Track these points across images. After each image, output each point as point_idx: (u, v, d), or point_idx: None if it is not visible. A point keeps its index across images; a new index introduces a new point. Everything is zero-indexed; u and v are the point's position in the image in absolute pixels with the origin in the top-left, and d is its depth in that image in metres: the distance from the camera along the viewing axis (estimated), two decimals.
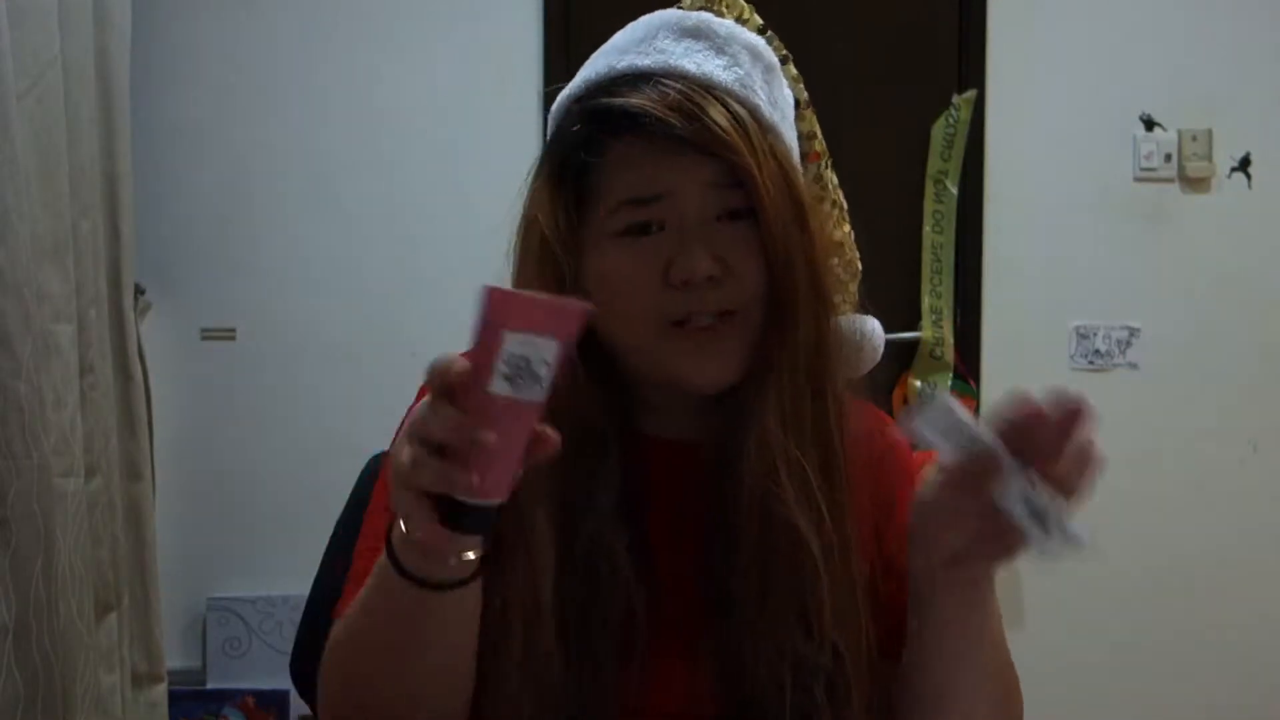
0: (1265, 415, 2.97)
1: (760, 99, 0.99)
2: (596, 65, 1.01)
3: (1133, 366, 2.96)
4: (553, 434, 0.77)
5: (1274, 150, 2.95)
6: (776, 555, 0.96)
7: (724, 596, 0.98)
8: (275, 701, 2.70)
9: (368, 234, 2.80)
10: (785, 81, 1.06)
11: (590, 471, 0.97)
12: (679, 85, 0.95)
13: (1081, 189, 2.93)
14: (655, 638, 0.97)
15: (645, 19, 1.03)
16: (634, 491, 0.99)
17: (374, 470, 1.38)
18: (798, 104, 1.10)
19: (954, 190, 2.87)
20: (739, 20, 1.11)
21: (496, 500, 0.76)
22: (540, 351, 0.73)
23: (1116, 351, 2.96)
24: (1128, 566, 2.95)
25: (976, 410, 2.91)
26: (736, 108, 0.96)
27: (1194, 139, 2.92)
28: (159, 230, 2.73)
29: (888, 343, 3.10)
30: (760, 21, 1.14)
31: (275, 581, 2.71)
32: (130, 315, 2.50)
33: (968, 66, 2.91)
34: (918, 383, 2.88)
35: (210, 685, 2.74)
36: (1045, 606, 2.96)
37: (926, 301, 2.88)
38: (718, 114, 0.94)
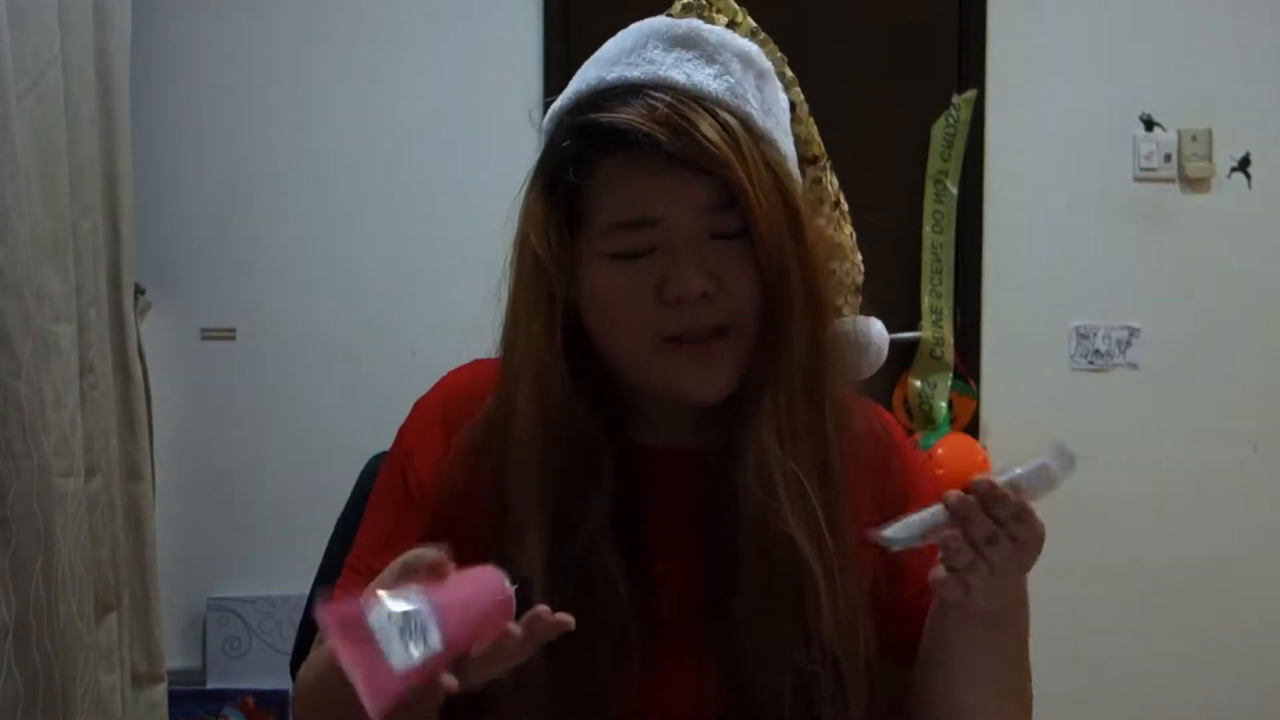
0: (1265, 415, 2.97)
1: (752, 107, 0.98)
2: (587, 77, 1.00)
3: (1133, 366, 2.96)
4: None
5: (1274, 150, 2.95)
6: (775, 568, 0.96)
7: (723, 607, 0.98)
8: (275, 701, 2.70)
9: (368, 234, 2.80)
10: (780, 86, 1.05)
11: (584, 483, 0.97)
12: (667, 98, 0.94)
13: (1081, 189, 2.93)
14: (651, 649, 0.97)
15: (635, 27, 1.02)
16: (629, 502, 0.99)
17: (373, 470, 1.38)
18: (794, 107, 1.09)
19: (954, 190, 2.87)
20: (731, 24, 1.10)
21: None
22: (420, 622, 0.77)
23: (1116, 351, 2.96)
24: (1127, 566, 2.96)
25: (976, 410, 2.91)
26: (727, 118, 0.95)
27: (1194, 139, 2.92)
28: (159, 230, 2.73)
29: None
30: (753, 24, 1.13)
31: (275, 581, 2.71)
32: (130, 315, 2.50)
33: (968, 66, 2.91)
34: (918, 383, 2.88)
35: (210, 685, 2.74)
36: (1045, 606, 2.95)
37: (926, 301, 2.88)
38: (707, 127, 0.93)
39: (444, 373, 1.12)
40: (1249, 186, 2.96)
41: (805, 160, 1.10)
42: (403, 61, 2.81)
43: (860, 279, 1.12)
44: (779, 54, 1.12)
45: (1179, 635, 2.96)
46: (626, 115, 0.94)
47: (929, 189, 2.88)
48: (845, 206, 1.17)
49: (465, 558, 0.98)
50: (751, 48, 1.03)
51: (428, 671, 0.77)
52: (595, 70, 1.00)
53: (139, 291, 2.60)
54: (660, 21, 1.03)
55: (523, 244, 1.00)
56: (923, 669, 1.02)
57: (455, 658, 0.79)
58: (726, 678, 0.98)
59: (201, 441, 2.79)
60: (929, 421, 2.85)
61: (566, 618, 0.81)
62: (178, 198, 2.77)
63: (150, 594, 2.52)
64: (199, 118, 2.78)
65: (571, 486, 0.97)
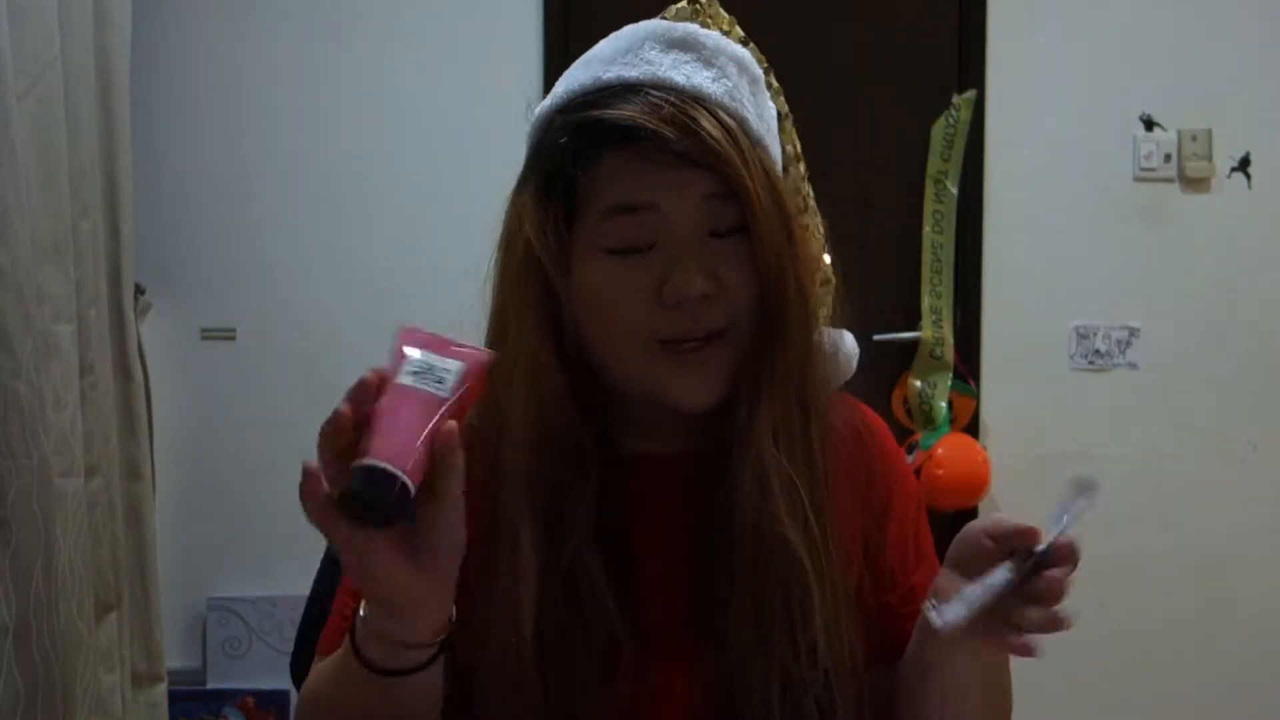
0: (1265, 415, 2.97)
1: (748, 111, 0.98)
2: (580, 76, 0.99)
3: (1133, 366, 2.96)
4: (452, 424, 0.80)
5: (1274, 150, 2.95)
6: (770, 574, 0.96)
7: (713, 614, 0.98)
8: (275, 701, 2.70)
9: (368, 234, 2.81)
10: (768, 94, 1.06)
11: (571, 490, 0.97)
12: (670, 97, 0.94)
13: (1081, 189, 2.93)
14: (640, 655, 0.97)
15: (629, 29, 1.02)
16: (615, 508, 0.99)
17: None
18: (779, 116, 1.09)
19: (954, 190, 2.87)
20: (722, 33, 1.10)
21: (398, 469, 0.76)
22: (444, 364, 0.81)
23: (1116, 351, 2.96)
24: (1127, 566, 2.95)
25: (976, 410, 2.91)
26: (727, 119, 0.95)
27: (1194, 139, 2.92)
28: (159, 230, 2.73)
29: (888, 343, 3.12)
30: (742, 33, 1.13)
31: (275, 581, 2.71)
32: (130, 315, 2.50)
33: (968, 66, 2.91)
34: (918, 383, 2.88)
35: (210, 685, 2.74)
36: None
37: (926, 301, 2.88)
38: (711, 126, 0.93)
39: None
40: (1249, 186, 2.96)
41: (785, 168, 1.10)
42: (403, 61, 2.81)
43: (834, 290, 1.12)
44: (765, 63, 1.12)
45: (1179, 634, 2.96)
46: (630, 112, 0.93)
47: (929, 189, 2.88)
48: (819, 218, 1.17)
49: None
50: (745, 53, 1.02)
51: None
52: (590, 70, 0.99)
53: (139, 291, 2.60)
54: (656, 24, 1.02)
55: (512, 242, 0.99)
56: (908, 690, 1.02)
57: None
58: (716, 686, 0.97)
59: (201, 441, 2.79)
60: (929, 421, 2.85)
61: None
62: (178, 198, 2.77)
63: (150, 594, 2.52)
64: (199, 118, 2.78)
65: (561, 492, 0.97)
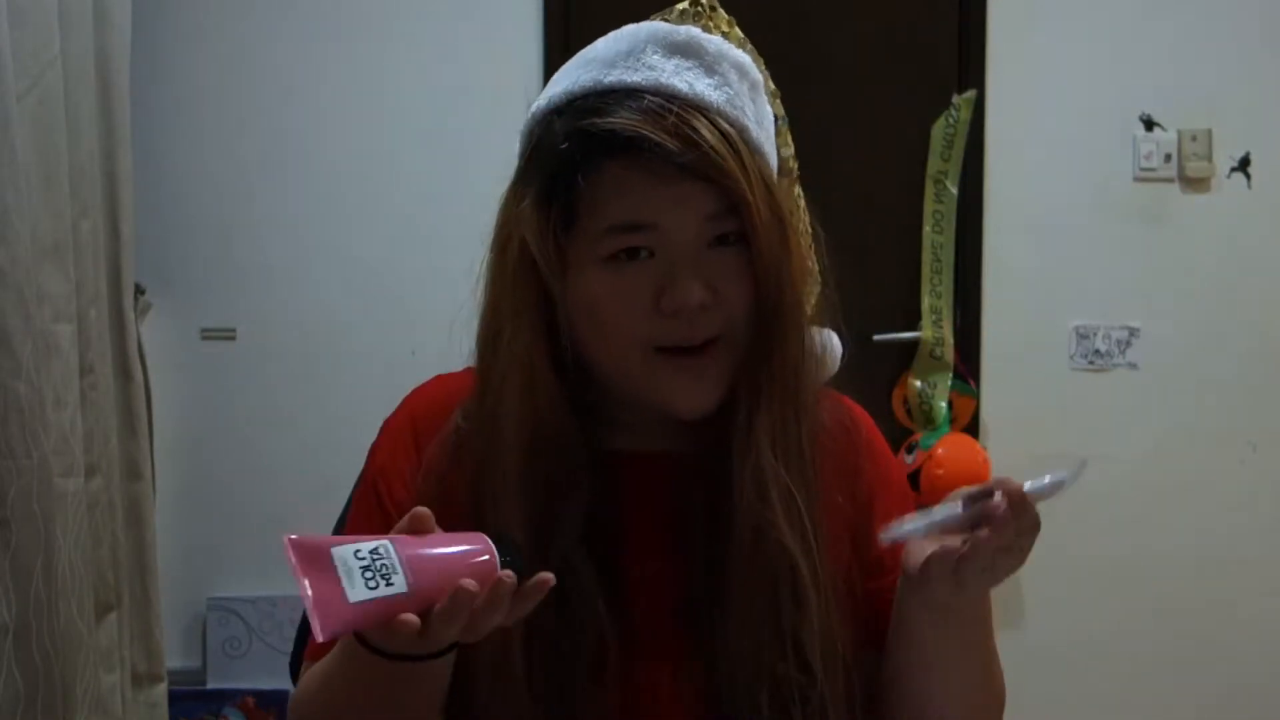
0: (1265, 415, 2.97)
1: (749, 119, 0.98)
2: (579, 78, 0.98)
3: (1133, 366, 2.96)
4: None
5: (1274, 150, 2.95)
6: (766, 578, 0.96)
7: (702, 614, 0.98)
8: (275, 701, 2.70)
9: (368, 234, 2.81)
10: (766, 99, 1.06)
11: (562, 490, 0.97)
12: (672, 106, 0.93)
13: (1081, 189, 2.93)
14: (628, 657, 0.97)
15: (630, 30, 1.01)
16: (603, 509, 0.99)
17: None
18: (776, 120, 1.09)
19: (954, 190, 2.87)
20: (722, 34, 1.10)
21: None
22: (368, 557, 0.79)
23: (1116, 351, 2.96)
24: (1127, 566, 2.96)
25: (976, 410, 2.91)
26: (728, 128, 0.94)
27: (1194, 139, 2.92)
28: (159, 230, 2.73)
29: (888, 343, 3.12)
30: (741, 35, 1.13)
31: (275, 581, 2.71)
32: (130, 315, 2.50)
33: (968, 66, 2.90)
34: (918, 383, 2.88)
35: (210, 685, 2.74)
36: (1044, 605, 2.96)
37: (926, 301, 2.87)
38: (713, 138, 0.93)
39: (444, 372, 1.12)
40: (1249, 186, 2.96)
41: (781, 174, 1.10)
42: (403, 61, 2.81)
43: (817, 290, 1.12)
44: (763, 66, 1.12)
45: (1179, 634, 2.96)
46: (634, 121, 0.92)
47: (929, 189, 2.88)
48: (807, 219, 1.17)
49: None
50: (746, 59, 1.02)
51: (384, 611, 0.77)
52: (589, 72, 0.98)
53: (139, 291, 2.60)
54: (658, 26, 1.01)
55: (507, 243, 0.98)
56: (890, 664, 1.02)
57: (422, 606, 0.78)
58: (705, 688, 0.98)
59: (201, 441, 2.79)
60: (929, 421, 2.85)
61: (546, 577, 0.82)
62: (178, 198, 2.77)
63: (150, 594, 2.52)
64: (199, 118, 2.78)
65: (552, 493, 0.97)
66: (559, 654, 0.96)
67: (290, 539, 0.78)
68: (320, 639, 0.77)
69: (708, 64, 0.97)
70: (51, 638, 1.81)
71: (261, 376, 2.80)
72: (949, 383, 2.86)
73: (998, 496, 0.87)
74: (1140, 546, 2.95)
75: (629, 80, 0.96)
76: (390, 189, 2.81)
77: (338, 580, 0.77)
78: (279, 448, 2.78)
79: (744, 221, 0.94)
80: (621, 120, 0.93)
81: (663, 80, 0.95)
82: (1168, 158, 2.93)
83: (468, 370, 1.05)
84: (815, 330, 1.05)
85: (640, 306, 0.95)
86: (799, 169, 1.44)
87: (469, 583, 0.78)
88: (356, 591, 0.76)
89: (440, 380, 1.11)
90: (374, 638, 0.84)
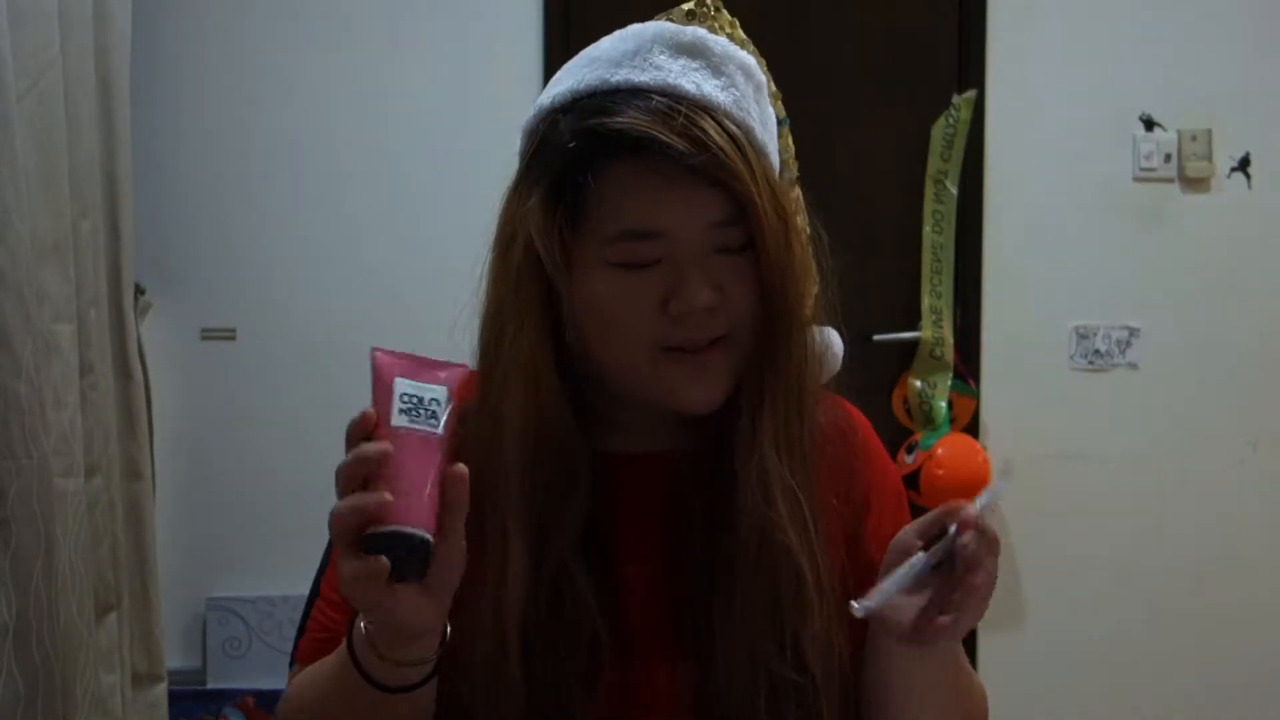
0: (1265, 415, 2.97)
1: (754, 120, 0.98)
2: (585, 77, 0.98)
3: (1133, 366, 2.96)
4: (461, 468, 0.83)
5: (1274, 150, 2.95)
6: (769, 580, 0.96)
7: (701, 617, 0.98)
8: (275, 701, 2.69)
9: (368, 234, 2.81)
10: (769, 101, 1.06)
11: (560, 493, 0.97)
12: (680, 106, 0.93)
13: (1081, 189, 2.94)
14: (624, 657, 0.98)
15: (635, 30, 1.01)
16: (601, 511, 0.99)
17: None
18: (777, 122, 1.09)
19: (954, 190, 2.87)
20: (725, 35, 1.10)
21: (418, 528, 0.80)
22: (431, 392, 0.84)
23: (1116, 351, 2.96)
24: (1127, 566, 2.96)
25: (976, 410, 2.91)
26: (735, 130, 0.94)
27: (1194, 139, 2.92)
28: (159, 230, 2.73)
29: (888, 343, 3.12)
30: (743, 35, 1.13)
31: (275, 581, 2.71)
32: (130, 315, 2.50)
33: (968, 66, 2.91)
34: (918, 383, 2.88)
35: (210, 685, 2.74)
36: (1045, 605, 2.96)
37: (926, 301, 2.88)
38: (721, 139, 0.93)
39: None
40: (1249, 186, 2.96)
41: (781, 174, 1.10)
42: (403, 61, 2.81)
43: (815, 287, 1.12)
44: (765, 67, 1.12)
45: (1178, 634, 2.96)
46: (643, 122, 0.92)
47: (929, 189, 2.88)
48: (805, 219, 1.17)
49: None
50: (750, 60, 1.02)
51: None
52: (595, 71, 0.98)
53: (139, 291, 2.60)
54: (664, 26, 1.01)
55: (509, 244, 0.98)
56: (865, 699, 1.02)
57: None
58: (701, 684, 0.98)
59: (201, 441, 2.79)
60: (929, 421, 2.85)
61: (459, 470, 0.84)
62: (178, 198, 2.77)
63: (150, 594, 2.52)
64: (199, 118, 2.78)
65: (551, 496, 0.97)
66: (555, 655, 0.96)
67: (377, 351, 0.86)
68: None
69: (714, 65, 0.97)
70: (51, 638, 1.81)
71: (261, 376, 2.80)
72: (949, 383, 2.87)
73: (966, 536, 0.88)
74: (1140, 546, 2.95)
75: (636, 80, 0.95)
76: (390, 189, 2.81)
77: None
78: (279, 448, 2.78)
79: (751, 223, 0.94)
80: (630, 120, 0.93)
81: (670, 80, 0.95)
82: (1168, 158, 2.93)
83: (468, 372, 1.05)
84: (816, 329, 1.05)
85: (648, 309, 0.95)
86: (799, 169, 1.44)
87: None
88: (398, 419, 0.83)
89: None
90: (371, 668, 0.87)
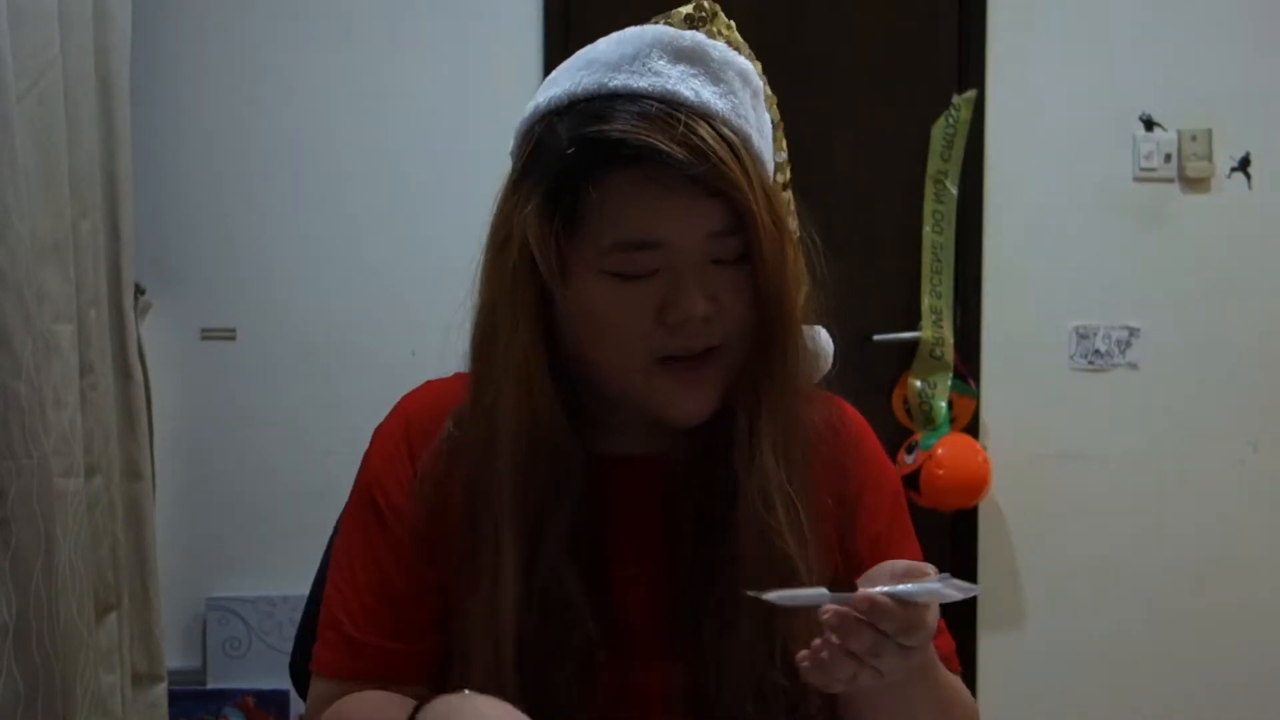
0: (1265, 415, 2.97)
1: (751, 127, 0.97)
2: (582, 80, 0.97)
3: (1133, 366, 2.96)
4: None
5: (1274, 150, 2.95)
6: (765, 585, 0.96)
7: (694, 620, 0.98)
8: (275, 701, 2.70)
9: (368, 234, 2.81)
10: (765, 106, 1.06)
11: (553, 494, 0.97)
12: (679, 114, 0.93)
13: (1081, 189, 2.93)
14: (618, 662, 0.98)
15: (634, 33, 1.00)
16: (593, 513, 0.99)
17: None
18: (774, 127, 1.09)
19: (954, 190, 2.87)
20: (723, 38, 1.10)
21: None
22: None
23: (1116, 351, 2.96)
24: (1127, 566, 2.96)
25: (976, 410, 2.91)
26: (732, 138, 0.94)
27: (1194, 139, 2.92)
28: (159, 230, 2.73)
29: (888, 343, 3.12)
30: (739, 39, 1.13)
31: (275, 581, 2.71)
32: (130, 315, 2.50)
33: (968, 66, 2.91)
34: (918, 383, 2.88)
35: (210, 685, 2.74)
36: (1045, 605, 2.96)
37: (926, 301, 2.87)
38: (719, 147, 0.92)
39: (444, 373, 1.12)
40: (1249, 186, 2.96)
41: (775, 178, 1.10)
42: (403, 61, 2.81)
43: (804, 287, 1.12)
44: (761, 71, 1.12)
45: (1178, 634, 2.96)
46: (642, 130, 0.92)
47: (929, 189, 2.88)
48: (797, 218, 1.17)
49: (443, 571, 0.97)
50: (748, 66, 1.02)
51: None
52: (592, 74, 0.97)
53: (139, 291, 2.60)
54: (663, 31, 1.00)
55: (504, 245, 0.98)
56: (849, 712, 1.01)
57: None
58: (694, 688, 0.98)
59: (201, 441, 2.79)
60: (929, 421, 2.85)
61: None
62: (178, 198, 2.77)
63: (150, 594, 2.52)
64: (199, 118, 2.78)
65: (544, 498, 0.97)
66: (549, 659, 0.96)
67: None
68: None
69: (713, 71, 0.97)
70: (51, 638, 1.81)
71: (261, 376, 2.80)
72: (949, 383, 2.86)
73: (828, 611, 0.84)
74: (1139, 546, 2.95)
75: (634, 85, 0.95)
76: (390, 189, 2.81)
77: None
78: (279, 448, 2.78)
79: (748, 232, 0.94)
80: (629, 128, 0.92)
81: (669, 87, 0.95)
82: (1168, 158, 2.93)
83: (458, 375, 1.05)
84: (806, 329, 1.05)
85: (644, 318, 0.95)
86: (793, 172, 1.44)
87: None
88: None
89: (431, 385, 1.11)
90: None
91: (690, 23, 1.11)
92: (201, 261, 2.79)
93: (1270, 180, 2.95)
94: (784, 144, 1.14)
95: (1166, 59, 2.93)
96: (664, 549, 1.01)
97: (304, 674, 1.10)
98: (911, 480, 2.77)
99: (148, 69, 2.64)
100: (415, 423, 1.07)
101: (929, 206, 2.88)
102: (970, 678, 1.00)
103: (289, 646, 1.38)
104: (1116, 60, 2.93)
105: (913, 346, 2.89)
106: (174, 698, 2.61)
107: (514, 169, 1.01)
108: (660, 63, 0.96)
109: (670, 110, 0.93)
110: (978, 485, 2.81)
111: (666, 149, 0.91)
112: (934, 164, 2.87)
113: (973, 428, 2.90)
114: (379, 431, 1.10)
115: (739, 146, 0.94)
